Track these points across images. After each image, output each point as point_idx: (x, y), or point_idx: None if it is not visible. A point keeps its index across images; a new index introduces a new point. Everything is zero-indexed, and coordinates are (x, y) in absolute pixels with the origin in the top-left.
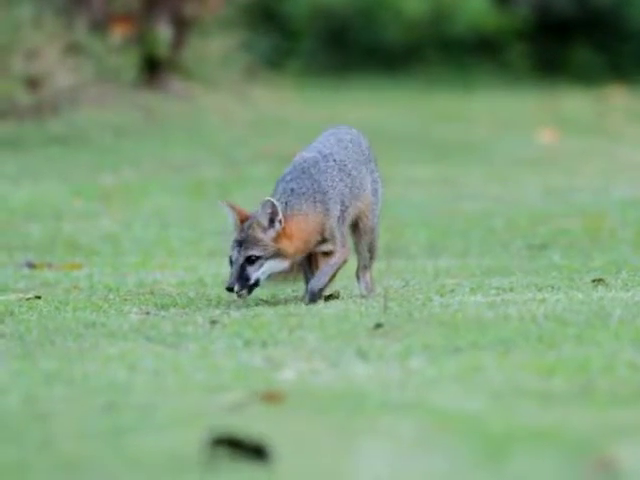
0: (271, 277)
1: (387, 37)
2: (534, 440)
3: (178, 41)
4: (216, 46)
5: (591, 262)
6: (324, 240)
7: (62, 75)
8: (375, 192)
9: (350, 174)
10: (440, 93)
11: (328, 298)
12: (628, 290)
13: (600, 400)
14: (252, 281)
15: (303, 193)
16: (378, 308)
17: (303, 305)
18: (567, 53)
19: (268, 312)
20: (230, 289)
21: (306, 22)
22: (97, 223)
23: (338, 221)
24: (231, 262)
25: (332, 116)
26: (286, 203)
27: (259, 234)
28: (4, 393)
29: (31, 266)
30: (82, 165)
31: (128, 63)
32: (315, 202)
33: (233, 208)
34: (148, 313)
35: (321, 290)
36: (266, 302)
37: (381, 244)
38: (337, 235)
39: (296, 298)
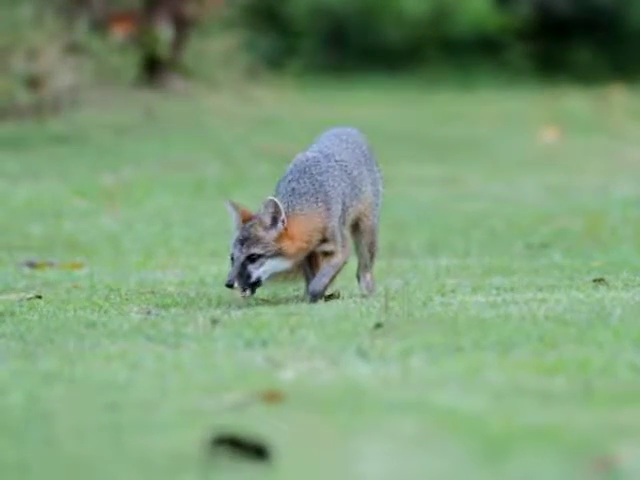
0: (272, 277)
1: (388, 37)
2: (534, 440)
3: (178, 41)
4: (217, 46)
5: (592, 262)
6: (325, 240)
7: (63, 75)
8: (376, 192)
9: (351, 174)
10: (441, 93)
11: (329, 298)
12: (629, 290)
13: (600, 400)
14: (253, 279)
15: (304, 193)
16: (379, 308)
17: (304, 305)
18: (568, 52)
19: (269, 312)
20: (230, 285)
21: (307, 22)
22: (98, 222)
23: (339, 221)
24: (232, 260)
25: (333, 116)
26: (287, 203)
27: (261, 233)
28: (5, 393)
29: (32, 266)
30: (83, 164)
31: (128, 63)
32: (316, 202)
33: (236, 208)
34: (149, 313)
35: (322, 291)
36: (267, 302)
37: (382, 244)
38: (337, 236)
39: (297, 298)
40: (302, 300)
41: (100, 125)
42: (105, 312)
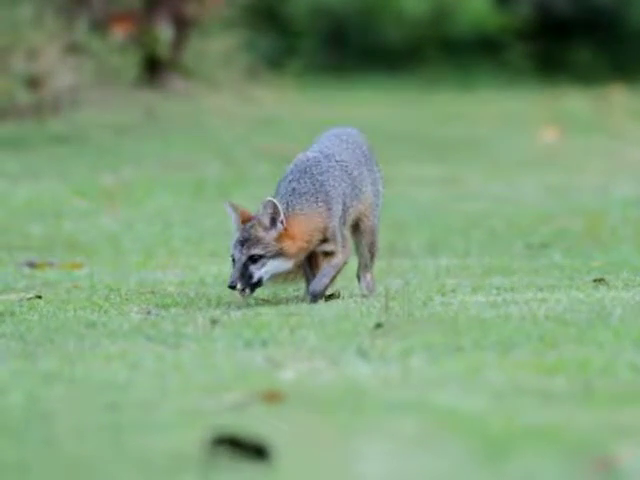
0: (273, 277)
1: (388, 37)
2: (535, 440)
3: (178, 41)
4: (217, 46)
5: (592, 262)
6: (325, 240)
7: (63, 75)
8: (376, 192)
9: (351, 174)
10: (441, 93)
11: (329, 298)
12: (629, 290)
13: (601, 400)
14: (255, 280)
15: (305, 193)
16: (379, 308)
17: (304, 305)
18: (568, 52)
19: (269, 312)
20: (232, 287)
21: (307, 22)
22: (98, 222)
23: (339, 221)
24: (233, 261)
25: (333, 116)
26: (288, 203)
27: (261, 234)
28: (5, 393)
29: (32, 266)
30: (83, 164)
31: (129, 62)
32: (317, 202)
33: (236, 208)
34: (149, 313)
35: (322, 291)
36: (267, 302)
37: (382, 244)
38: (338, 236)
39: (297, 298)
40: (302, 300)
41: (100, 125)
42: (105, 312)
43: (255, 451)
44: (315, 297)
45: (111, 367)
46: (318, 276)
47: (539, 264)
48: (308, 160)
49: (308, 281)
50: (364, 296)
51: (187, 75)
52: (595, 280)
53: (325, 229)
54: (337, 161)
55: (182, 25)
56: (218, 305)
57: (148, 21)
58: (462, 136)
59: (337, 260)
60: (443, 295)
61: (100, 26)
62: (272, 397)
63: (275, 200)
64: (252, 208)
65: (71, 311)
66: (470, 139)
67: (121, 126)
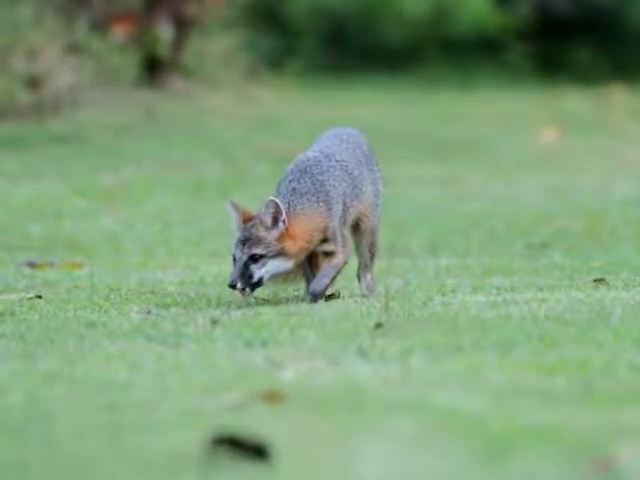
0: (274, 277)
1: (387, 37)
2: (535, 440)
3: (179, 41)
4: (217, 46)
5: (592, 262)
6: (326, 240)
7: (63, 75)
8: (376, 192)
9: (352, 174)
10: (441, 93)
11: (329, 298)
12: (629, 290)
13: (601, 400)
14: (255, 279)
15: (305, 193)
16: (379, 308)
17: (304, 305)
18: (568, 52)
19: (269, 312)
20: (233, 286)
21: (307, 22)
22: (98, 222)
23: (340, 221)
24: (234, 260)
25: (333, 116)
26: (288, 203)
27: (262, 233)
28: (5, 393)
29: (32, 266)
30: (83, 164)
31: (129, 62)
32: (317, 202)
33: (237, 208)
34: (149, 313)
35: (322, 291)
36: (267, 302)
37: (382, 244)
38: (338, 236)
39: (297, 298)
40: (302, 300)
41: (100, 125)
42: (105, 312)
43: (255, 451)
44: (315, 297)
45: (111, 367)
46: (318, 276)
47: (539, 264)
48: (308, 160)
49: (308, 281)
50: (364, 296)
51: (187, 75)
52: (595, 280)
53: (325, 229)
54: (337, 161)
55: (182, 25)
56: (218, 305)
57: (148, 21)
58: (462, 136)
59: (337, 260)
60: (443, 295)
61: (100, 26)
62: (272, 397)
63: (277, 200)
64: (252, 208)
65: (71, 311)
66: (470, 139)
67: (121, 126)
